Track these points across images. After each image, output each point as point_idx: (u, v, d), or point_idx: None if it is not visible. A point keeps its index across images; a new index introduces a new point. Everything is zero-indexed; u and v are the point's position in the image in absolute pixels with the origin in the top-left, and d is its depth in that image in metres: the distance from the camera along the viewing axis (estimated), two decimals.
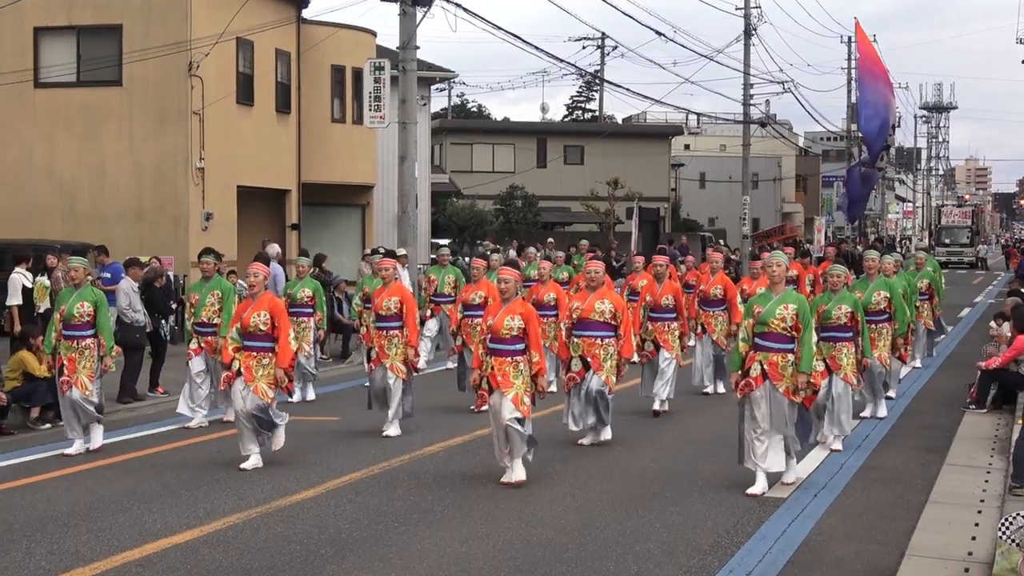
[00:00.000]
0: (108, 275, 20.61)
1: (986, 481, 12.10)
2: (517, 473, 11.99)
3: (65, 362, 13.94)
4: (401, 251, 26.48)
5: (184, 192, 28.92)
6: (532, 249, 26.65)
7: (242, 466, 12.83)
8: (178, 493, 11.78)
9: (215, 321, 15.62)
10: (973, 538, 9.79)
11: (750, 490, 11.50)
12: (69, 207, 29.37)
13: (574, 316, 14.05)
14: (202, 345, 15.68)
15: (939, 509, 10.85)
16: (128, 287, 17.78)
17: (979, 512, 10.73)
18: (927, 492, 11.57)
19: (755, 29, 56.26)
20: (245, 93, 31.44)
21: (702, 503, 11.22)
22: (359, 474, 12.65)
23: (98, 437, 14.17)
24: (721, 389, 18.09)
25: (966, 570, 8.85)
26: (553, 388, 17.73)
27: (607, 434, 14.28)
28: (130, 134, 29.16)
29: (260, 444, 13.03)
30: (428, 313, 20.50)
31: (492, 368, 11.98)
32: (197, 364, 15.69)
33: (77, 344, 13.95)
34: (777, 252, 12.24)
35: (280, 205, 34.19)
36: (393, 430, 14.88)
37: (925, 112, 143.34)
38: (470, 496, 11.57)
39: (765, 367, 11.44)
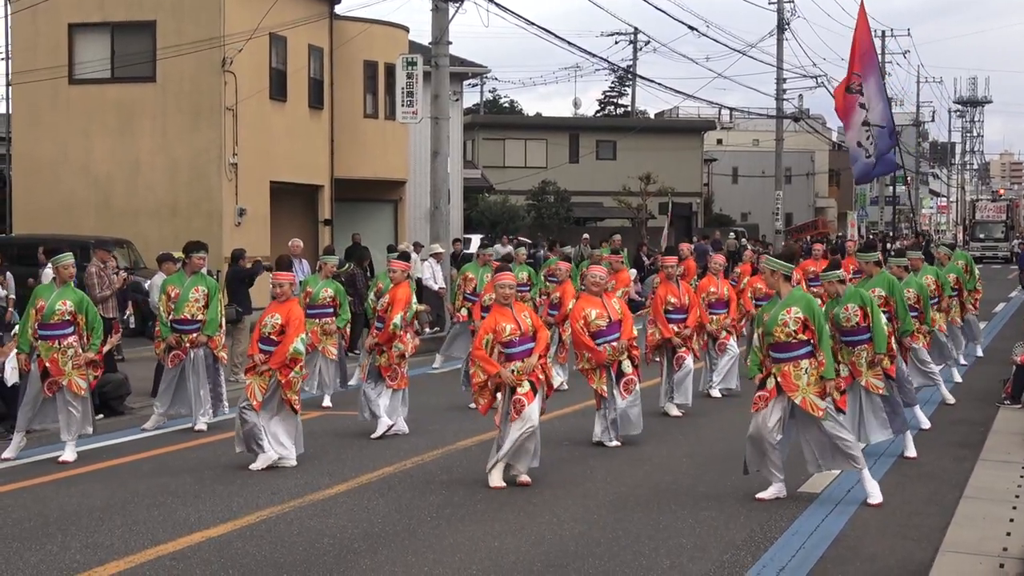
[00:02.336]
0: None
1: (1021, 476, 12.01)
2: (526, 475, 11.96)
3: (48, 364, 13.14)
4: (436, 247, 26.46)
5: (218, 188, 29.05)
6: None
7: (251, 466, 12.62)
8: (211, 487, 11.83)
9: (199, 318, 15.16)
10: (1008, 534, 9.73)
11: (760, 495, 11.12)
12: (103, 203, 29.55)
13: (601, 323, 13.61)
14: (187, 344, 15.12)
15: (973, 505, 10.79)
16: (161, 283, 17.79)
17: (1014, 508, 10.66)
18: (961, 488, 11.50)
19: (788, 23, 56.16)
20: (278, 89, 31.56)
21: (735, 498, 11.19)
22: (391, 468, 12.67)
23: (70, 451, 13.26)
24: (716, 394, 17.86)
25: (1001, 565, 8.80)
26: (565, 386, 17.90)
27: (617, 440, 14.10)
28: (164, 130, 29.31)
29: (260, 449, 12.70)
30: (464, 313, 19.33)
31: (537, 369, 11.84)
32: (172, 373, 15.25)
33: (59, 344, 13.18)
34: (767, 259, 11.62)
35: (313, 201, 34.30)
36: (381, 426, 14.51)
37: (959, 106, 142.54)
38: (502, 490, 11.58)
39: (779, 379, 10.92)
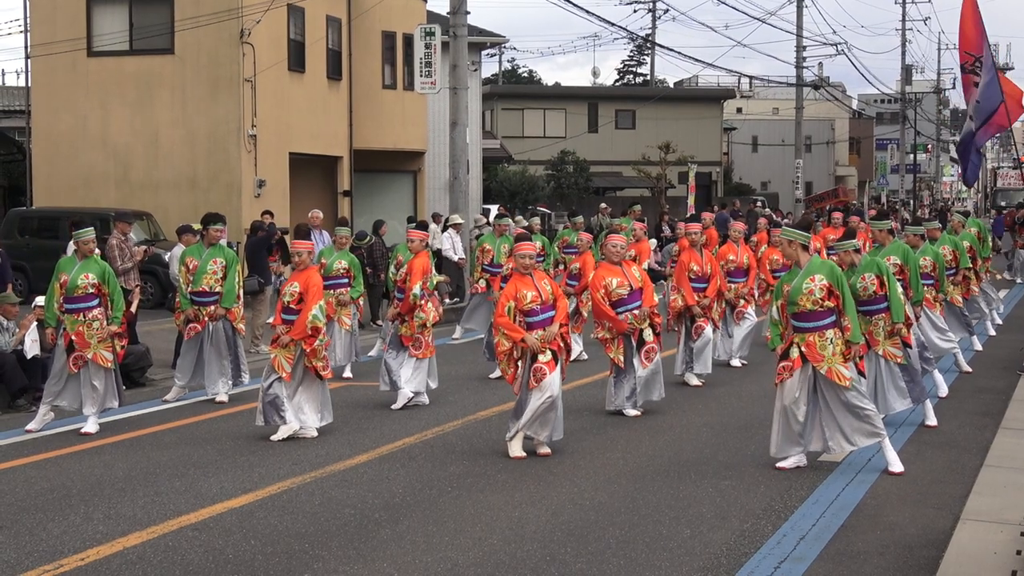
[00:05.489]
0: None
1: None
2: (547, 446, 11.97)
3: (73, 337, 13.19)
4: (456, 218, 26.45)
5: (237, 160, 29.04)
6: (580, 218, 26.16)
7: (272, 437, 12.67)
8: (233, 458, 11.88)
9: (216, 290, 15.08)
10: None
11: (780, 464, 11.10)
12: (123, 175, 29.57)
13: (622, 292, 13.59)
14: (205, 317, 15.05)
15: (994, 473, 10.77)
16: (180, 254, 17.80)
17: None
18: (982, 456, 11.48)
19: None
20: (296, 60, 31.49)
21: (755, 467, 11.19)
22: (412, 439, 12.70)
23: (92, 423, 13.33)
24: (736, 363, 17.84)
25: (1022, 534, 8.78)
26: (585, 355, 18.01)
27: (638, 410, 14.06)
28: (183, 102, 29.29)
29: (277, 422, 12.74)
30: (483, 284, 19.15)
31: (557, 337, 11.81)
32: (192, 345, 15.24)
33: (84, 316, 13.23)
34: (784, 229, 11.60)
35: (332, 172, 34.26)
36: (401, 398, 14.57)
37: None
38: (522, 460, 11.59)
39: (803, 349, 10.87)
